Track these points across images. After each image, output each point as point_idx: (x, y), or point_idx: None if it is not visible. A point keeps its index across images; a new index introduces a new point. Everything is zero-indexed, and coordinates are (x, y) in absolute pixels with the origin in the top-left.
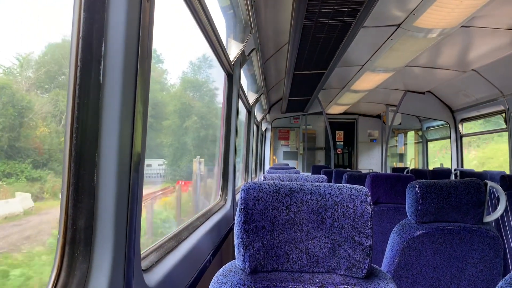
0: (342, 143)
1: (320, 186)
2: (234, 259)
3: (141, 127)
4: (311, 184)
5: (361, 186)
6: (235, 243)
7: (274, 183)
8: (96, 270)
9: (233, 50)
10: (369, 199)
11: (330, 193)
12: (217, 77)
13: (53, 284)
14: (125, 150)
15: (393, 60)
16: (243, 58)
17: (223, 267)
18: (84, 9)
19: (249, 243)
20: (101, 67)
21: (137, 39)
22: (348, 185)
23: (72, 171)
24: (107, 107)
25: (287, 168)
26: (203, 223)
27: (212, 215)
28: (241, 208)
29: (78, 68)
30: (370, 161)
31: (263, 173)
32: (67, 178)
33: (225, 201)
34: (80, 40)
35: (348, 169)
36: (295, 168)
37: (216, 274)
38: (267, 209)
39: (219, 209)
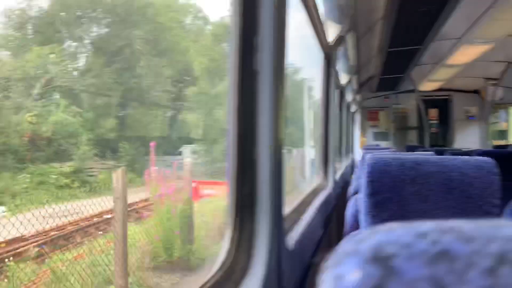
0: (436, 121)
1: (445, 158)
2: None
3: (283, 111)
4: (436, 157)
5: (487, 157)
6: (363, 213)
7: (398, 156)
8: (258, 228)
9: (331, 31)
10: (496, 169)
11: (456, 164)
12: None
13: (231, 238)
14: (275, 132)
15: (494, 30)
16: (340, 39)
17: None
18: (241, 14)
19: (376, 213)
20: (255, 58)
21: (277, 33)
22: (473, 157)
23: (238, 146)
24: (260, 92)
25: (381, 149)
26: (312, 200)
27: (319, 193)
28: (368, 181)
29: (238, 58)
30: (467, 139)
31: (353, 155)
32: (237, 152)
33: (327, 181)
34: (239, 33)
35: (445, 148)
36: (389, 149)
37: (342, 241)
38: (394, 181)
39: (322, 189)
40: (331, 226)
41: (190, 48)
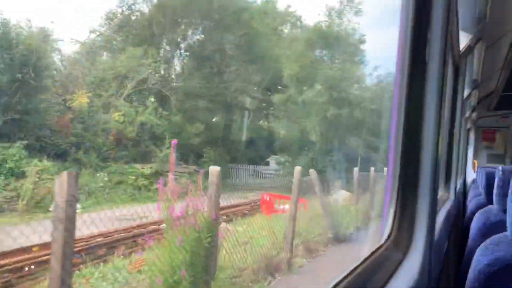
0: None
1: None
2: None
3: (444, 101)
4: None
5: None
6: (509, 215)
7: None
8: (420, 208)
9: (462, 40)
10: None
11: None
12: None
13: (394, 213)
14: (437, 120)
15: None
16: (468, 49)
17: (491, 238)
18: (414, 9)
19: None
20: (426, 50)
21: (445, 26)
22: None
23: (404, 142)
24: (429, 82)
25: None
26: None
27: (441, 205)
28: None
29: (410, 51)
30: None
31: (463, 177)
32: (402, 146)
33: (449, 194)
34: (413, 28)
35: None
36: None
37: (484, 243)
38: None
39: (445, 201)
40: (451, 237)
41: (282, 55)
